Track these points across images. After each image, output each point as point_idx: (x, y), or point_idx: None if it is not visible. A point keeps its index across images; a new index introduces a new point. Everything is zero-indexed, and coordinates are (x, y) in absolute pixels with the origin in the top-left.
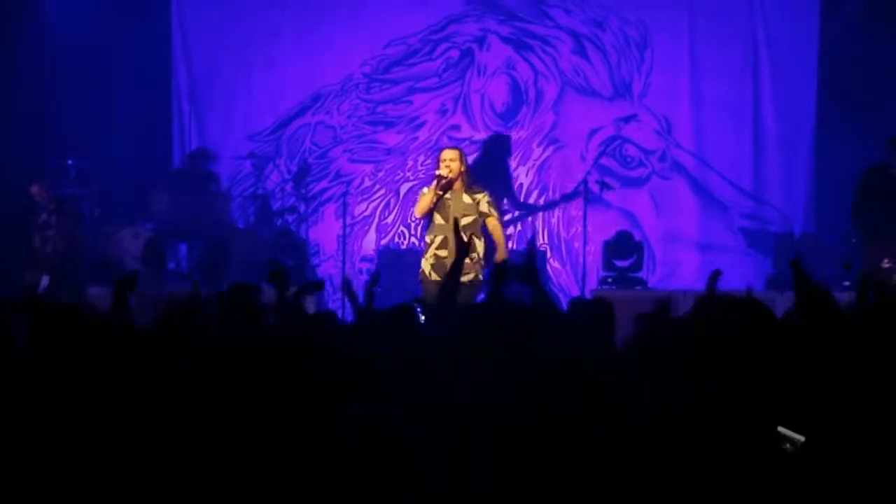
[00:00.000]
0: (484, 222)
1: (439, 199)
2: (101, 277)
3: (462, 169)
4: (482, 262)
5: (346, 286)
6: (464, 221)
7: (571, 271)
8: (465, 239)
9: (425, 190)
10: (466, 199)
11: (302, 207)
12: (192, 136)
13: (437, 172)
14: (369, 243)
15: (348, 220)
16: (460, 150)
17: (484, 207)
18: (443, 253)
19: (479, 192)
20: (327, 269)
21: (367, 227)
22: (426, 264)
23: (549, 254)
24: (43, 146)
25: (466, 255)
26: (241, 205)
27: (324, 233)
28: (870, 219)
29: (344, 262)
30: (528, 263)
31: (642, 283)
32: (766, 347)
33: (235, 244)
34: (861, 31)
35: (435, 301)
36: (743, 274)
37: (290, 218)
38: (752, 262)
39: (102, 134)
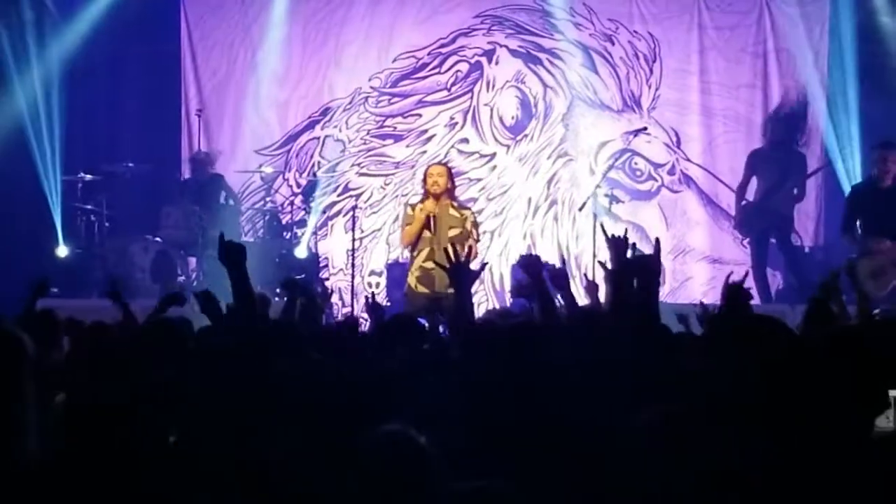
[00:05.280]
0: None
1: (423, 229)
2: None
3: (448, 185)
4: None
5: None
6: (451, 233)
7: (580, 285)
8: (454, 256)
9: (410, 212)
10: (454, 212)
11: (311, 221)
12: (200, 149)
13: (426, 210)
14: (378, 257)
15: (357, 234)
16: (447, 166)
17: (468, 225)
18: (429, 265)
19: (467, 209)
20: (337, 282)
21: (376, 241)
22: (412, 277)
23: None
24: (54, 161)
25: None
26: (251, 218)
27: (333, 247)
28: (859, 236)
29: (353, 276)
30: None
31: None
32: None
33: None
34: (872, 42)
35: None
36: (752, 287)
37: (299, 232)
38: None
39: (112, 149)
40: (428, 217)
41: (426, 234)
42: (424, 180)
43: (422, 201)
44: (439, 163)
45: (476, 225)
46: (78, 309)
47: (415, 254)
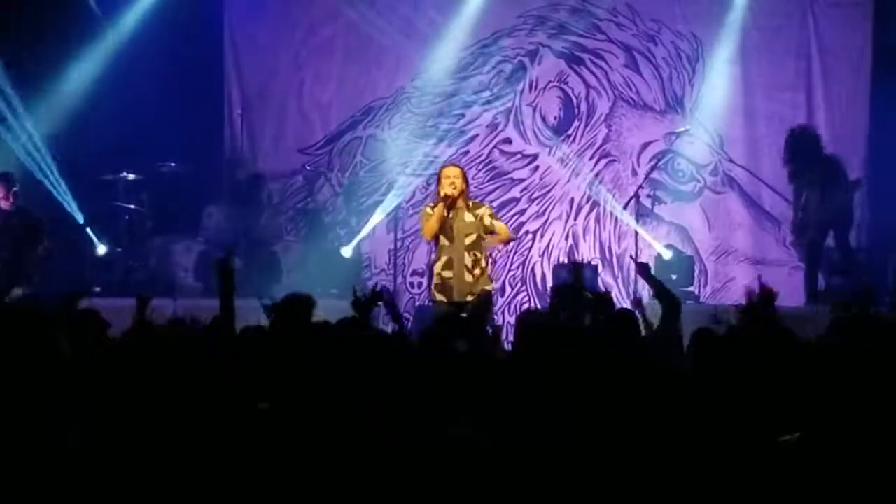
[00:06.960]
0: (491, 231)
1: (445, 218)
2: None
3: (464, 187)
4: (489, 278)
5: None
6: (467, 241)
7: (623, 286)
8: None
9: (428, 210)
10: (468, 217)
11: (353, 221)
12: (243, 150)
13: (443, 192)
14: (421, 257)
15: (399, 234)
16: (461, 167)
17: (486, 221)
18: (447, 274)
19: (480, 207)
20: (379, 283)
21: (418, 241)
22: (433, 286)
23: (600, 268)
24: (97, 160)
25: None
26: (293, 218)
27: (375, 247)
28: None
29: (395, 276)
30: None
31: (693, 297)
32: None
33: (287, 258)
34: None
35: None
36: (794, 289)
37: (341, 232)
38: (803, 277)
39: (155, 148)
40: (447, 203)
41: (444, 242)
42: (439, 181)
43: (436, 204)
44: (453, 163)
45: (494, 216)
46: (119, 308)
47: (434, 259)
